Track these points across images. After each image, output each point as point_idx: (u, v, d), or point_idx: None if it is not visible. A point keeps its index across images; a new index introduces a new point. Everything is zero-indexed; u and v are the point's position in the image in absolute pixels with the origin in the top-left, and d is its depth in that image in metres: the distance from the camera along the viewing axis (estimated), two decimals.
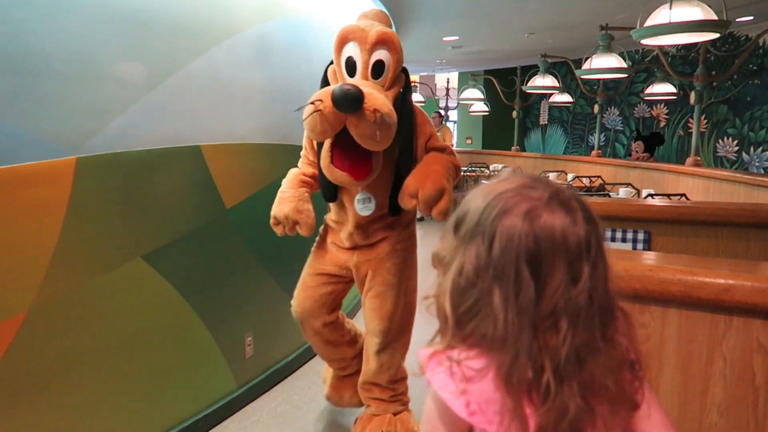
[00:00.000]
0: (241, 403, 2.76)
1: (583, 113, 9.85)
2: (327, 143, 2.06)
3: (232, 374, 2.71)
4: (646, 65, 7.73)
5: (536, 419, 0.74)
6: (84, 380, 1.98)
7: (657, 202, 3.04)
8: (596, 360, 0.75)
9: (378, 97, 1.96)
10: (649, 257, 1.46)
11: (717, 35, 3.40)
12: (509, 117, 9.56)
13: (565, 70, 8.91)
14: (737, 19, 5.92)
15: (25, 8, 1.70)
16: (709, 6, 3.17)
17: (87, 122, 1.92)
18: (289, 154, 2.44)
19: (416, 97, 9.96)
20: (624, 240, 2.30)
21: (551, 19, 5.94)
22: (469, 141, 11.51)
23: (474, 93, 8.98)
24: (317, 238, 2.46)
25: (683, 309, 1.19)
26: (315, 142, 2.24)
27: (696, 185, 5.01)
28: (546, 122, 10.65)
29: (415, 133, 2.21)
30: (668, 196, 4.24)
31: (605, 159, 7.74)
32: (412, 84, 9.04)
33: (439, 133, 9.91)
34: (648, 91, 7.26)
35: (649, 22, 3.31)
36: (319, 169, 2.17)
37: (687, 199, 4.11)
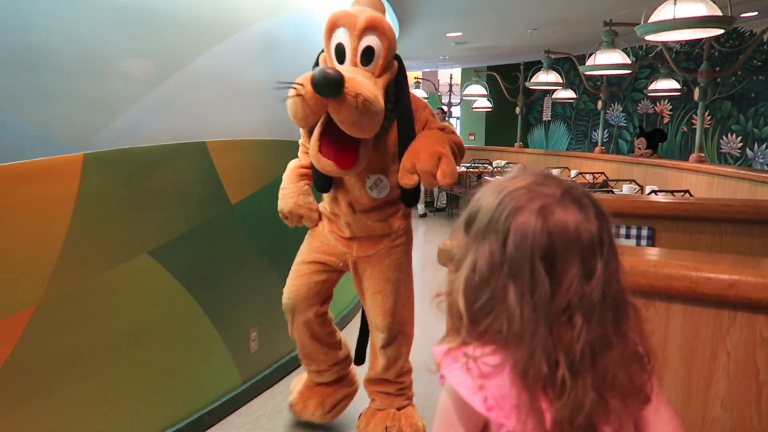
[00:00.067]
0: (247, 398, 2.77)
1: (586, 109, 9.84)
2: (316, 132, 2.00)
3: (237, 369, 2.73)
4: (649, 61, 7.71)
5: (552, 413, 0.75)
6: (92, 373, 2.00)
7: (661, 198, 3.04)
8: (609, 355, 0.76)
9: (361, 82, 1.89)
10: (654, 253, 1.46)
11: (722, 31, 3.40)
12: (512, 113, 9.55)
13: (568, 66, 8.90)
14: (741, 15, 5.90)
15: (33, 5, 1.71)
16: (714, 2, 3.16)
17: (94, 118, 1.93)
18: (293, 150, 2.45)
19: (419, 93, 9.96)
20: (628, 236, 2.31)
21: (555, 14, 5.93)
22: (472, 137, 11.50)
23: (477, 89, 8.97)
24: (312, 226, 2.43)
25: (687, 304, 1.19)
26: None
27: (700, 182, 5.01)
28: (549, 118, 10.65)
29: (414, 119, 2.17)
30: (672, 192, 4.25)
31: (608, 155, 7.73)
32: (416, 80, 8.94)
33: None
34: (652, 87, 7.25)
35: (653, 18, 3.31)
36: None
37: (691, 195, 4.11)
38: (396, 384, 2.39)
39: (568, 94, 8.22)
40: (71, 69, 1.84)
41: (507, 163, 8.29)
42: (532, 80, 7.21)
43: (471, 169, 8.11)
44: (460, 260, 0.83)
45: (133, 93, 2.07)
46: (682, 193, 4.07)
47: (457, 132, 12.33)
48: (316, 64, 2.16)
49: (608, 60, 5.11)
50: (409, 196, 2.26)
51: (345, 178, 2.19)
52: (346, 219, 2.25)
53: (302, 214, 2.31)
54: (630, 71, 5.70)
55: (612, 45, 5.13)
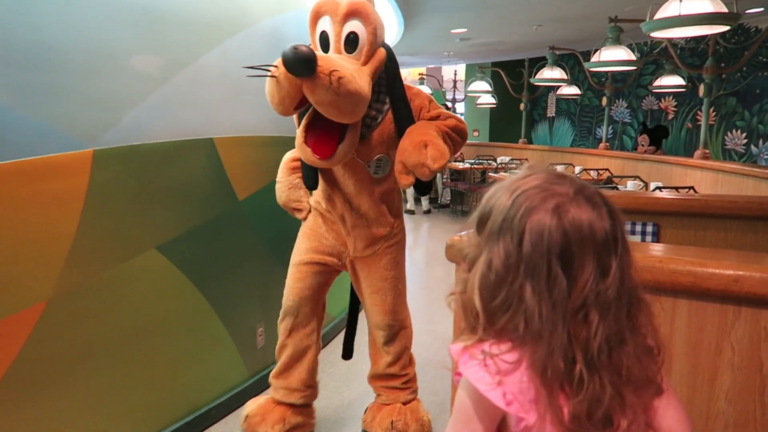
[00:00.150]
0: (253, 392, 2.79)
1: (590, 105, 9.83)
2: (303, 122, 1.96)
3: (244, 364, 2.76)
4: (654, 57, 7.70)
5: (570, 409, 0.76)
6: (101, 367, 2.02)
7: (666, 194, 3.05)
8: (624, 349, 0.78)
9: (336, 60, 1.80)
10: (659, 249, 1.48)
11: (727, 28, 3.40)
12: (517, 109, 9.54)
13: (573, 62, 8.89)
14: (747, 11, 5.88)
15: (43, 3, 1.73)
16: None
17: (103, 115, 1.95)
18: None
19: (423, 90, 9.95)
20: (633, 232, 2.32)
21: (560, 11, 5.93)
22: (476, 133, 11.50)
23: (481, 85, 8.97)
24: (305, 224, 2.37)
25: (693, 299, 1.21)
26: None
27: (704, 178, 5.01)
28: (553, 114, 10.63)
29: (411, 108, 2.13)
30: (676, 189, 4.25)
31: (613, 152, 7.72)
32: (420, 76, 8.93)
33: None
34: (656, 83, 7.24)
35: (659, 15, 3.31)
36: None
37: (695, 192, 4.11)
38: (401, 377, 2.42)
39: (573, 90, 8.21)
40: (80, 66, 1.86)
41: (511, 160, 8.29)
42: (537, 76, 7.21)
43: (475, 166, 8.12)
44: (473, 259, 0.84)
45: (141, 90, 2.09)
46: (687, 190, 4.07)
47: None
48: None
49: (613, 56, 5.10)
50: (422, 186, 2.23)
51: (338, 174, 2.15)
52: (342, 213, 2.23)
53: (293, 207, 2.36)
54: (635, 68, 5.70)
55: (617, 41, 5.12)
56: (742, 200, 2.44)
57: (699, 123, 7.18)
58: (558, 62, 7.27)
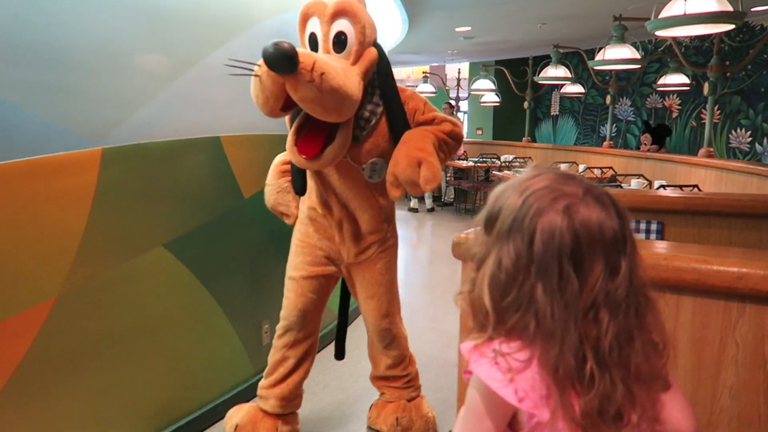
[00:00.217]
0: None
1: (594, 104, 9.82)
2: (295, 124, 1.93)
3: (249, 360, 2.77)
4: (659, 56, 7.69)
5: (581, 406, 0.77)
6: (109, 363, 2.04)
7: (670, 193, 3.05)
8: (632, 347, 0.79)
9: (319, 57, 1.75)
10: (664, 246, 1.49)
11: (732, 26, 3.40)
12: (520, 108, 9.54)
13: (576, 60, 8.88)
14: (752, 9, 5.87)
15: (52, 3, 1.75)
16: None
17: (111, 113, 1.97)
18: None
19: (427, 88, 9.96)
20: (637, 230, 2.33)
21: (564, 8, 5.92)
22: (479, 132, 11.50)
23: (485, 84, 8.97)
24: (297, 236, 2.31)
25: (697, 296, 1.22)
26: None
27: (708, 176, 5.01)
28: (557, 113, 10.62)
29: (405, 110, 2.09)
30: (681, 187, 4.25)
31: (617, 150, 7.71)
32: (423, 74, 8.89)
33: None
34: (661, 81, 7.23)
35: (664, 14, 3.31)
36: None
37: (699, 190, 4.11)
38: (403, 378, 2.43)
39: (577, 88, 8.20)
40: (89, 66, 1.88)
41: (515, 158, 8.29)
42: (541, 75, 7.21)
43: (479, 164, 8.12)
44: (481, 258, 0.85)
45: (148, 89, 2.11)
46: (691, 188, 4.07)
47: (465, 127, 12.18)
48: None
49: (618, 55, 5.10)
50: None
51: (334, 178, 2.10)
52: (339, 219, 2.17)
53: (281, 211, 2.33)
54: (639, 66, 5.69)
55: (622, 40, 5.12)
56: (746, 198, 2.45)
57: (703, 121, 7.17)
58: (562, 60, 7.27)
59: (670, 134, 7.85)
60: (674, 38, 4.94)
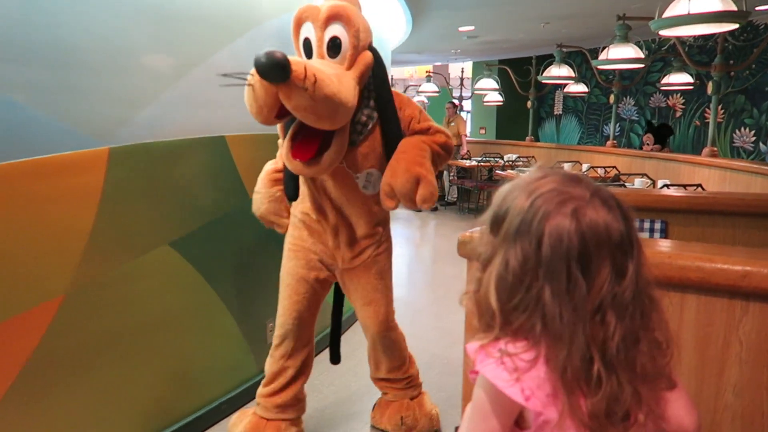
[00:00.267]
0: None
1: (598, 103, 9.81)
2: (290, 131, 1.90)
3: (254, 359, 2.79)
4: (662, 55, 7.68)
5: (588, 407, 0.78)
6: (115, 361, 2.05)
7: (674, 192, 3.06)
8: (638, 347, 0.80)
9: (312, 64, 1.72)
10: (668, 245, 1.49)
11: (736, 26, 3.40)
12: (524, 107, 9.54)
13: (580, 59, 8.87)
14: (756, 8, 5.87)
15: (59, 2, 1.76)
16: None
17: (118, 113, 1.98)
18: None
19: (430, 87, 9.97)
20: (641, 229, 2.33)
21: (568, 8, 5.93)
22: (483, 131, 11.50)
23: (488, 83, 8.97)
24: (290, 241, 2.27)
25: (701, 294, 1.23)
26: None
27: (712, 176, 5.01)
28: (561, 112, 10.62)
29: (398, 116, 2.07)
30: (684, 186, 4.25)
31: (620, 149, 7.72)
32: (427, 74, 8.89)
33: (453, 123, 9.77)
34: (664, 80, 7.23)
35: (667, 13, 3.31)
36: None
37: (703, 189, 4.11)
38: (405, 379, 2.42)
39: (580, 87, 8.20)
40: (95, 65, 1.89)
41: (518, 157, 8.29)
42: (544, 74, 7.21)
43: (482, 163, 8.12)
44: (487, 259, 0.86)
45: (154, 88, 2.12)
46: (695, 187, 4.07)
47: (468, 126, 12.17)
48: None
49: (622, 54, 5.10)
50: None
51: (329, 184, 2.07)
52: (335, 225, 2.15)
53: (272, 220, 2.28)
54: (643, 65, 5.69)
55: (625, 39, 5.12)
56: (750, 197, 2.45)
57: (707, 120, 7.17)
58: (565, 60, 7.27)
59: (672, 134, 7.85)
60: (678, 37, 4.93)
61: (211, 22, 2.36)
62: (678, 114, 8.27)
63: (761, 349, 1.17)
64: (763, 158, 6.97)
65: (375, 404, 2.51)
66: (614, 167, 6.46)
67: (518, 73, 9.13)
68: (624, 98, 8.98)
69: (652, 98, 8.69)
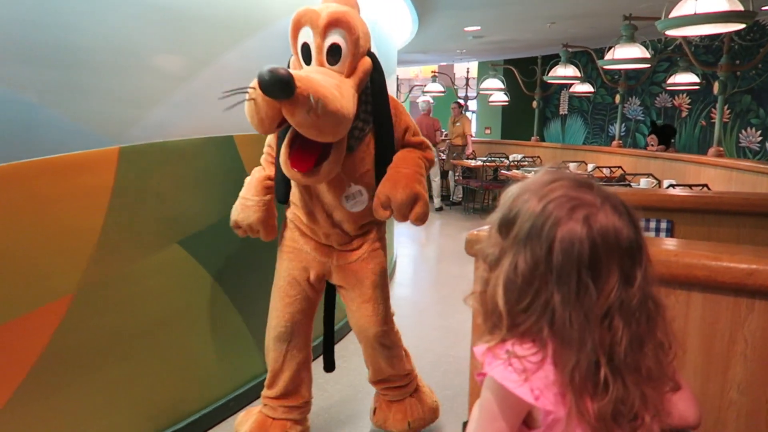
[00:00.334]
0: None
1: (603, 103, 9.79)
2: (288, 136, 1.86)
3: (261, 357, 2.80)
4: (668, 55, 7.66)
5: (595, 410, 0.79)
6: (124, 358, 2.08)
7: (680, 192, 3.06)
8: (644, 350, 0.81)
9: (317, 79, 1.71)
10: (674, 243, 1.50)
11: (743, 25, 3.40)
12: (529, 107, 9.54)
13: (586, 59, 8.86)
14: (762, 8, 5.85)
15: (70, 3, 1.78)
16: None
17: (128, 112, 2.00)
18: None
19: (436, 87, 9.96)
20: (647, 229, 2.34)
21: (574, 8, 5.92)
22: (488, 131, 11.50)
23: (494, 83, 8.97)
24: (282, 243, 2.25)
25: (707, 292, 1.23)
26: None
27: (718, 176, 5.00)
28: (566, 112, 10.61)
29: (393, 124, 2.06)
30: (690, 186, 4.24)
31: (626, 149, 7.71)
32: (432, 74, 8.85)
33: (458, 123, 9.74)
34: (670, 80, 7.21)
35: (674, 13, 3.31)
36: (277, 165, 2.01)
37: (709, 189, 4.11)
38: (406, 377, 2.40)
39: (586, 87, 8.19)
40: (106, 65, 1.91)
41: (523, 157, 8.29)
42: (550, 74, 7.20)
43: (488, 164, 8.12)
44: (495, 260, 0.86)
45: (164, 88, 2.14)
46: (701, 187, 4.07)
47: (474, 126, 12.14)
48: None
49: (628, 54, 5.10)
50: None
51: (322, 188, 2.04)
52: (325, 231, 2.13)
53: (260, 229, 2.16)
54: (649, 65, 5.68)
55: (631, 39, 5.12)
56: (755, 197, 2.45)
57: (713, 120, 7.14)
58: (571, 60, 7.26)
59: (675, 134, 7.83)
60: (684, 37, 4.93)
61: (220, 23, 2.38)
62: (684, 114, 8.25)
63: (766, 347, 1.18)
64: None
65: (374, 407, 2.45)
66: (620, 167, 6.46)
67: (524, 73, 9.13)
68: (630, 98, 8.97)
69: (657, 98, 8.67)
